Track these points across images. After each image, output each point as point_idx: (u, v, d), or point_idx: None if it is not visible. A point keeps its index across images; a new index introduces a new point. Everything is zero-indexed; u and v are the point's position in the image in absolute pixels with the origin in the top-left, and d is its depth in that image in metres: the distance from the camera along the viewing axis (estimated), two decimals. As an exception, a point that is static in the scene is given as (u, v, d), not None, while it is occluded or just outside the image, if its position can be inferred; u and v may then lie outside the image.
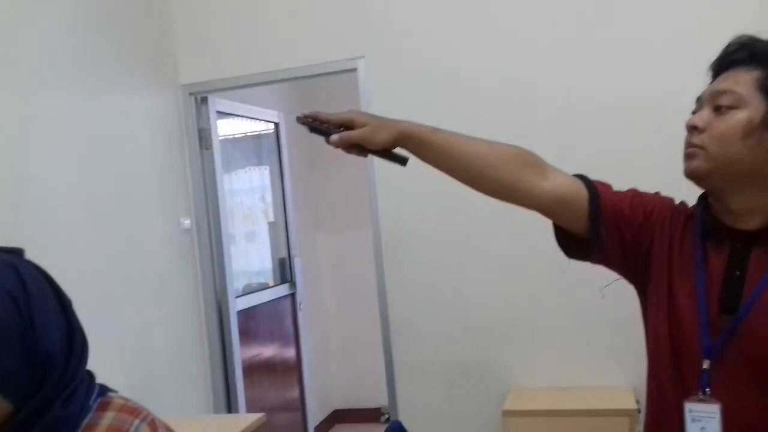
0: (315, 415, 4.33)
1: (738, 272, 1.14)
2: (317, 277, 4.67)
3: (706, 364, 1.13)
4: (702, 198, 1.23)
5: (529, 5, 2.84)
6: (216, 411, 3.23)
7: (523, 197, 1.25)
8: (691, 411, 1.13)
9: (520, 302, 2.86)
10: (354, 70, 3.04)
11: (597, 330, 2.76)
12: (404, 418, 3.03)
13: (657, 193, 1.30)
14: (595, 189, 1.25)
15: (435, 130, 1.26)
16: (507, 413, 2.69)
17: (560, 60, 2.79)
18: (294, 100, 4.46)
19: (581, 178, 1.28)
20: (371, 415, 4.54)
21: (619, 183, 1.31)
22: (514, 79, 2.84)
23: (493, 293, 2.88)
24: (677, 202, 1.29)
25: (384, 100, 2.94)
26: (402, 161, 1.25)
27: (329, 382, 4.74)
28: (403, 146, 1.25)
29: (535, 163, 1.25)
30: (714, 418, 1.12)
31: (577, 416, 2.61)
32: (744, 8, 2.53)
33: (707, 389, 1.12)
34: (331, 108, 1.32)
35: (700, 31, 2.56)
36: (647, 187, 1.32)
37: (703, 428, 1.12)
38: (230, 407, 3.28)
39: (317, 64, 3.09)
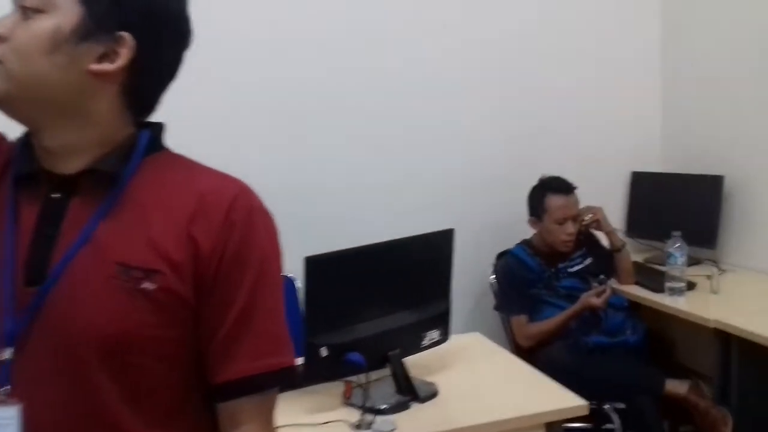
0: None
1: (51, 230, 0.87)
2: None
3: (7, 353, 0.85)
4: (26, 133, 0.93)
5: None
6: None
7: None
8: (-18, 419, 0.84)
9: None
10: None
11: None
12: None
13: None
14: None
15: None
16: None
17: None
18: None
19: None
20: None
21: None
22: None
23: None
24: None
25: None
26: None
27: None
28: None
29: None
30: (11, 425, 0.84)
31: None
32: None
33: (7, 386, 0.84)
34: None
35: None
36: None
37: (-2, 440, 0.84)
38: None
39: None
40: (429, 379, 1.90)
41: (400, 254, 1.83)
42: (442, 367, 2.00)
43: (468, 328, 2.81)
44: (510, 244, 2.90)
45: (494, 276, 2.90)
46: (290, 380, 0.92)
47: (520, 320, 2.71)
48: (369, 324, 1.76)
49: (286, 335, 0.92)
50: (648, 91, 3.40)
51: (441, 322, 1.94)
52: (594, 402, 2.50)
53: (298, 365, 1.58)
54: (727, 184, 2.98)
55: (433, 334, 1.91)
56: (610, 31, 3.30)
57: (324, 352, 1.65)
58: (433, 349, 1.96)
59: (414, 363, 1.93)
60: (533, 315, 2.72)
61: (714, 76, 3.10)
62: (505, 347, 2.79)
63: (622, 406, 2.50)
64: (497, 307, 2.85)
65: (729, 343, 2.36)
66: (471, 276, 3.09)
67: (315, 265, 1.60)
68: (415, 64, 3.02)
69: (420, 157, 3.06)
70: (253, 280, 0.88)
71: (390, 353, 1.79)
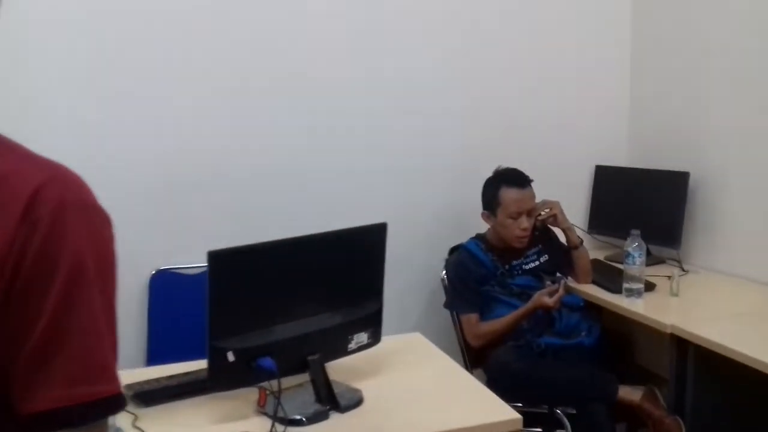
0: None
1: None
2: None
3: None
4: None
5: None
6: None
7: None
8: None
9: None
10: None
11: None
12: None
13: None
14: None
15: None
16: None
17: None
18: None
19: None
20: None
21: None
22: None
23: None
24: None
25: None
26: None
27: None
28: None
29: None
30: None
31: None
32: None
33: None
34: None
35: None
36: None
37: None
38: None
39: None
40: (356, 385, 1.75)
41: (324, 250, 1.67)
42: (374, 372, 1.84)
43: (418, 327, 2.67)
44: (465, 238, 2.75)
45: (445, 272, 2.75)
46: (113, 411, 0.75)
47: (470, 319, 2.57)
48: (286, 326, 1.60)
49: (108, 359, 0.75)
50: (616, 84, 3.26)
51: (371, 323, 1.78)
52: (545, 406, 2.40)
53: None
54: (693, 181, 2.84)
55: (362, 337, 1.75)
56: (579, 24, 3.16)
57: (231, 356, 1.49)
58: (367, 351, 1.81)
59: (342, 368, 1.78)
60: (485, 313, 2.58)
61: (683, 72, 2.96)
62: (455, 347, 2.66)
63: (573, 411, 2.37)
64: (447, 305, 2.70)
65: (686, 349, 2.23)
66: (423, 271, 2.95)
67: (220, 260, 1.44)
68: (374, 53, 2.87)
69: (374, 147, 2.91)
70: (63, 291, 0.71)
71: (309, 358, 1.63)
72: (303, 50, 2.76)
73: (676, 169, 2.88)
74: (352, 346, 1.73)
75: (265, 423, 1.55)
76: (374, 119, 2.90)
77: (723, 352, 2.03)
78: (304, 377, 1.68)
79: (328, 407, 1.61)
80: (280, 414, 1.52)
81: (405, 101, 2.93)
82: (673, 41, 3.01)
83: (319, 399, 1.63)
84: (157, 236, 2.62)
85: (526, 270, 2.64)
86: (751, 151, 2.65)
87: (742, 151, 2.69)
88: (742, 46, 2.66)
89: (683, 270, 2.79)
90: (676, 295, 2.50)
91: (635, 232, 2.48)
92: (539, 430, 2.44)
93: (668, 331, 2.25)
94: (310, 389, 1.66)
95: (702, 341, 2.12)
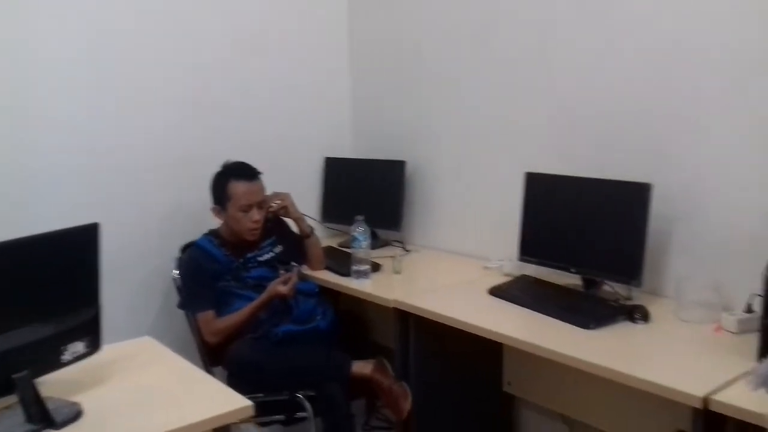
0: None
1: None
2: None
3: None
4: None
5: None
6: None
7: None
8: None
9: None
10: None
11: None
12: None
13: None
14: None
15: None
16: None
17: None
18: None
19: None
20: None
21: None
22: None
23: None
24: None
25: None
26: None
27: None
28: None
29: None
30: None
31: None
32: None
33: None
34: None
35: None
36: None
37: None
38: None
39: None
40: (76, 398, 1.63)
41: (24, 256, 1.52)
42: (96, 382, 1.73)
43: (154, 330, 2.58)
44: (198, 235, 2.70)
45: (178, 270, 2.67)
46: None
47: (206, 316, 2.53)
48: (-17, 344, 1.44)
49: None
50: (338, 81, 3.43)
51: (88, 331, 1.67)
52: (286, 392, 2.45)
53: None
54: (409, 169, 3.11)
55: (78, 347, 1.64)
56: (298, 23, 3.27)
57: None
58: (89, 361, 1.69)
59: (58, 381, 1.65)
60: (222, 309, 2.56)
61: (397, 71, 3.21)
62: (194, 347, 2.61)
63: (312, 393, 2.46)
64: (181, 305, 2.63)
65: (407, 320, 2.44)
66: (155, 272, 2.85)
67: None
68: (102, 48, 2.68)
69: (100, 147, 2.72)
70: None
71: (15, 376, 1.49)
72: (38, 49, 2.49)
73: (395, 158, 3.13)
74: (66, 357, 1.61)
75: (-37, 455, 1.38)
76: (98, 117, 2.71)
77: (437, 319, 2.26)
78: (13, 398, 1.52)
79: (40, 426, 1.49)
80: (-19, 442, 1.37)
81: (129, 99, 2.78)
82: (386, 43, 3.25)
83: (30, 419, 1.49)
84: None
85: (261, 262, 2.67)
86: (457, 141, 2.97)
87: (449, 141, 3.01)
88: (448, 48, 2.95)
89: (405, 250, 3.05)
90: (399, 272, 2.73)
91: (359, 217, 2.64)
92: (281, 416, 2.50)
93: (391, 305, 2.44)
94: (19, 410, 1.51)
95: (419, 311, 2.34)
